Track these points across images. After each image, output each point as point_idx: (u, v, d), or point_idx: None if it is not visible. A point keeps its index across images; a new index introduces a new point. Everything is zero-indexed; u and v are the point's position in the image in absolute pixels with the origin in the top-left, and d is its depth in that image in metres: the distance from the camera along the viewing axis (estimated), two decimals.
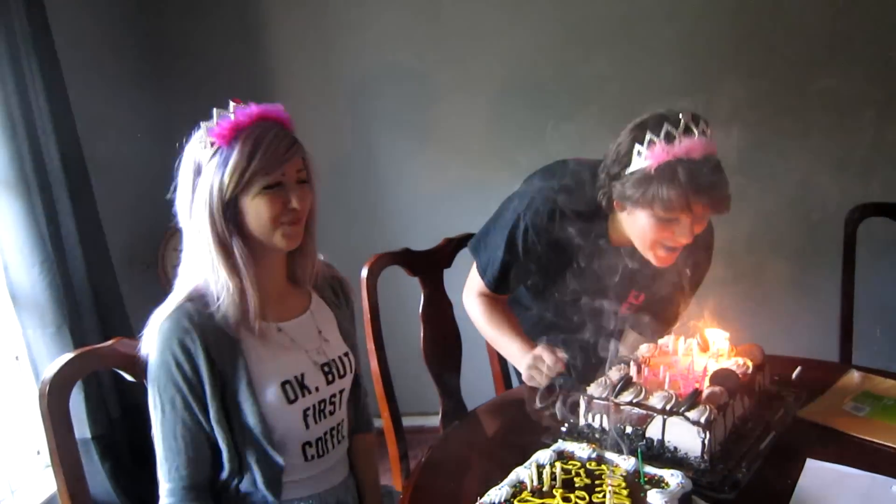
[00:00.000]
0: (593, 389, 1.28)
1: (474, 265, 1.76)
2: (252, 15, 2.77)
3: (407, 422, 1.87)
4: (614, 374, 1.31)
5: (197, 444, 1.20)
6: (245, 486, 1.25)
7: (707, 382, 1.26)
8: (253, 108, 1.22)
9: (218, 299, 1.21)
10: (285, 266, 1.35)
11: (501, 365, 2.03)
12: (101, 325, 2.09)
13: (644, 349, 1.43)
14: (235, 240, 1.22)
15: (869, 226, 2.05)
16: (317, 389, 1.31)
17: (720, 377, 1.26)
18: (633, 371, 1.32)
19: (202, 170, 1.20)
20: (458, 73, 2.74)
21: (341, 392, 1.37)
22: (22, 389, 2.09)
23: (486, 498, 0.97)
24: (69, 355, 1.19)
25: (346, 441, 1.41)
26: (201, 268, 1.23)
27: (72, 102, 2.11)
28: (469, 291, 1.79)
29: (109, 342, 1.26)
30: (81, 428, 2.03)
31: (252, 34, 2.79)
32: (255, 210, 1.21)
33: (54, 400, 1.16)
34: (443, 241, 1.99)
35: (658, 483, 0.99)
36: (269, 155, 1.20)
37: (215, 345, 1.20)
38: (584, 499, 0.96)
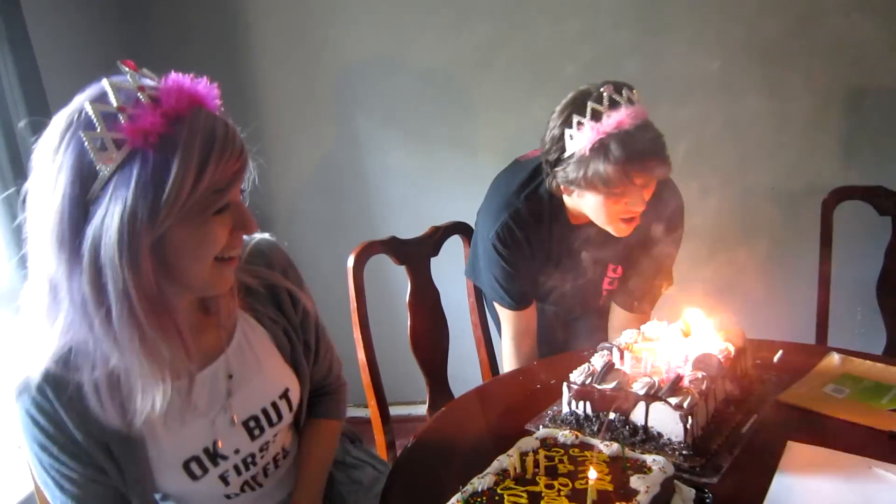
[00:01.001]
0: (576, 376, 1.28)
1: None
2: (234, 3, 2.73)
3: (394, 411, 1.88)
4: (597, 360, 1.31)
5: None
6: None
7: (689, 367, 1.27)
8: (178, 82, 0.82)
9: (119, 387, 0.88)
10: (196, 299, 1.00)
11: (488, 352, 2.04)
12: None
13: (627, 335, 1.43)
14: (169, 291, 0.85)
15: (846, 209, 2.07)
16: (236, 452, 1.06)
17: (702, 362, 1.27)
18: (615, 357, 1.32)
19: (98, 188, 0.80)
20: (443, 63, 2.72)
21: (275, 436, 1.13)
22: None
23: (468, 486, 0.97)
24: None
25: (290, 457, 1.21)
26: (84, 339, 0.85)
27: (46, 93, 2.07)
28: (504, 334, 1.81)
29: None
30: None
31: (234, 23, 2.75)
32: (192, 246, 0.85)
33: None
34: (430, 229, 1.98)
35: (641, 468, 1.00)
36: (225, 164, 0.83)
37: (93, 427, 0.92)
38: (567, 485, 0.96)
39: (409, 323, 1.90)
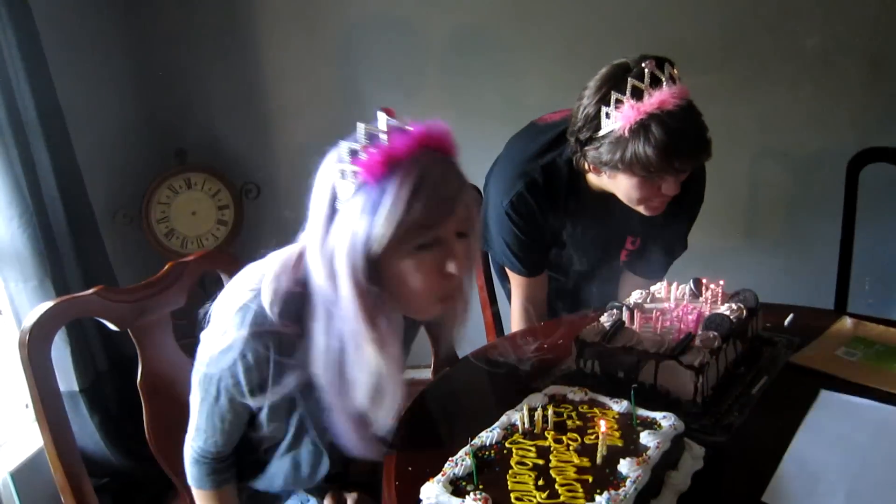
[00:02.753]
0: (586, 334, 1.26)
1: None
2: None
3: None
4: (606, 319, 1.29)
5: (240, 426, 1.12)
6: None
7: (700, 327, 1.25)
8: (413, 131, 0.96)
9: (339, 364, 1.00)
10: None
11: (493, 314, 2.02)
12: (84, 278, 2.05)
13: (637, 295, 1.41)
14: (380, 304, 0.98)
15: (868, 173, 2.02)
16: None
17: (713, 322, 1.25)
18: (625, 316, 1.30)
19: (340, 207, 0.96)
20: (447, 23, 2.66)
21: None
22: (6, 344, 2.06)
23: (476, 440, 0.96)
24: (49, 303, 1.17)
25: None
26: (322, 323, 0.99)
27: (45, 51, 2.03)
28: (515, 299, 1.79)
29: (91, 290, 1.23)
30: (68, 381, 2.01)
31: None
32: (404, 274, 0.98)
33: (35, 348, 1.14)
34: None
35: (651, 425, 0.98)
36: (432, 205, 0.94)
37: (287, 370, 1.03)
38: (576, 440, 0.95)
39: None
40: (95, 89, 2.47)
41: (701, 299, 1.38)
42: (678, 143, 1.28)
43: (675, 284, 1.43)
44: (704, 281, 1.41)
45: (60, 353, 1.98)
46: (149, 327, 1.30)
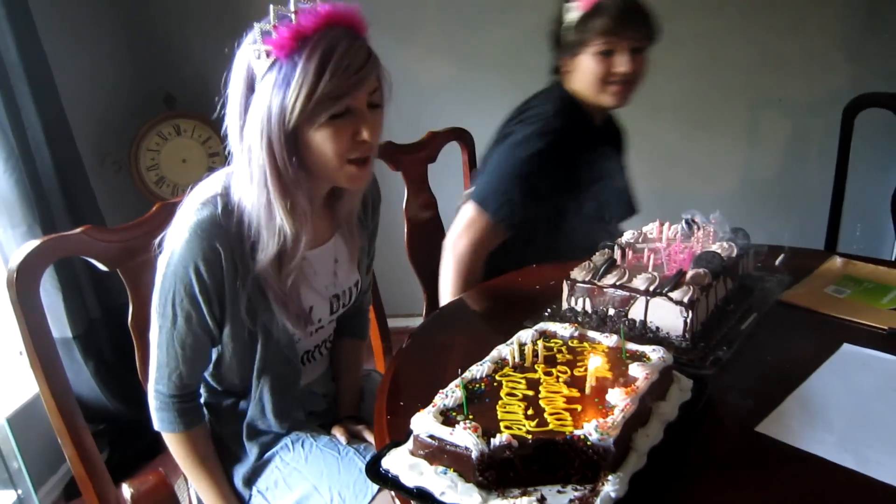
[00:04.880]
0: (576, 273, 1.26)
1: (467, 209, 1.62)
2: None
3: (392, 323, 1.87)
4: (598, 257, 1.29)
5: (202, 352, 1.15)
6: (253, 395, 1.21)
7: (691, 265, 1.25)
8: (320, 8, 1.00)
9: (257, 233, 1.07)
10: (328, 192, 1.20)
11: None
12: (73, 224, 2.02)
13: (629, 235, 1.41)
14: (297, 175, 1.05)
15: (863, 120, 2.01)
16: (319, 321, 1.25)
17: (704, 259, 1.25)
18: (616, 254, 1.30)
19: (256, 86, 1.01)
20: None
21: (330, 322, 1.32)
22: None
23: (467, 373, 0.96)
24: (35, 242, 1.15)
25: (326, 355, 1.38)
26: (248, 196, 1.06)
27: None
28: (463, 241, 1.61)
29: (79, 229, 1.21)
30: (61, 327, 2.02)
31: None
32: (319, 143, 1.03)
33: (24, 288, 1.12)
34: (427, 134, 1.93)
35: (640, 357, 0.99)
36: (340, 75, 0.99)
37: (240, 264, 1.09)
38: (565, 372, 0.96)
39: (405, 230, 1.88)
40: (81, 33, 2.41)
41: (693, 238, 1.38)
42: (628, 12, 1.55)
43: (667, 224, 1.42)
44: (699, 219, 1.40)
45: (52, 299, 1.98)
46: (138, 267, 1.29)
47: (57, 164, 2.02)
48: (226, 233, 1.06)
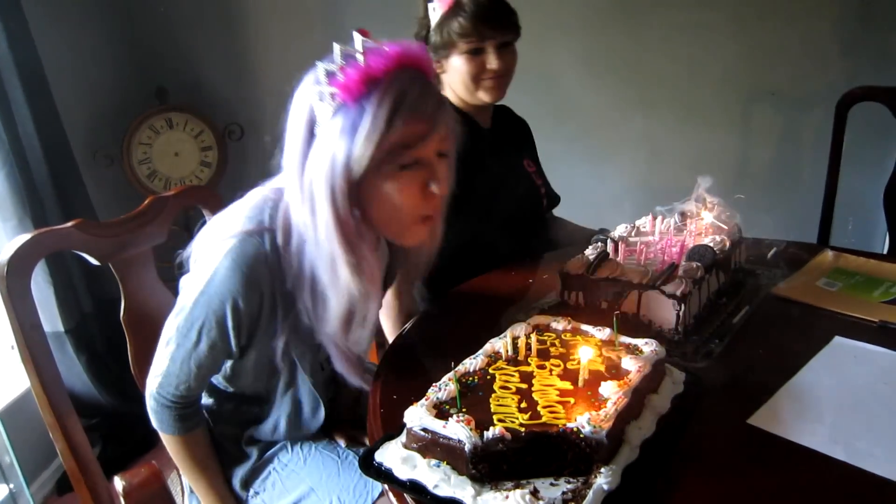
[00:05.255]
0: (570, 267, 1.26)
1: None
2: None
3: None
4: (591, 251, 1.29)
5: (216, 369, 1.11)
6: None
7: (684, 258, 1.26)
8: (390, 50, 0.94)
9: (315, 285, 1.00)
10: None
11: None
12: (65, 218, 2.01)
13: (622, 228, 1.41)
14: (360, 228, 0.98)
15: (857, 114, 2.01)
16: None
17: (696, 253, 1.26)
18: (609, 249, 1.30)
19: (318, 131, 0.95)
20: None
21: None
22: None
23: (460, 367, 0.96)
24: (26, 236, 1.15)
25: None
26: (308, 249, 0.99)
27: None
28: None
29: (70, 223, 1.21)
30: (53, 321, 2.01)
31: None
32: (385, 195, 0.97)
33: (14, 282, 1.12)
34: None
35: (633, 350, 0.99)
36: (412, 122, 0.93)
37: (281, 306, 1.03)
38: (558, 365, 0.96)
39: None
40: (72, 26, 2.39)
41: (685, 232, 1.38)
42: (487, 12, 1.52)
43: (660, 218, 1.42)
44: (690, 213, 1.41)
45: (44, 293, 1.97)
46: (130, 262, 1.29)
47: (48, 158, 2.01)
48: (270, 272, 1.00)
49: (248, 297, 1.00)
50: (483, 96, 1.60)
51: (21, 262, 1.13)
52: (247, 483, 1.22)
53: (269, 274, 1.00)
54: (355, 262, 0.98)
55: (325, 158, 0.94)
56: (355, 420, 1.32)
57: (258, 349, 1.08)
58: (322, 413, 1.18)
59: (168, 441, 1.15)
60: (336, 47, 0.95)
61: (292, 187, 0.99)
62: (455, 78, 1.59)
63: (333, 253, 0.97)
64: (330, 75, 0.94)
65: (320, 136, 0.95)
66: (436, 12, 1.56)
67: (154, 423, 1.14)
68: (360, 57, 0.94)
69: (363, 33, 0.95)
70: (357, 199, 0.97)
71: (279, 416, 1.19)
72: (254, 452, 1.22)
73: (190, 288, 1.02)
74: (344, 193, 0.95)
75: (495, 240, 1.60)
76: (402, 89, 0.93)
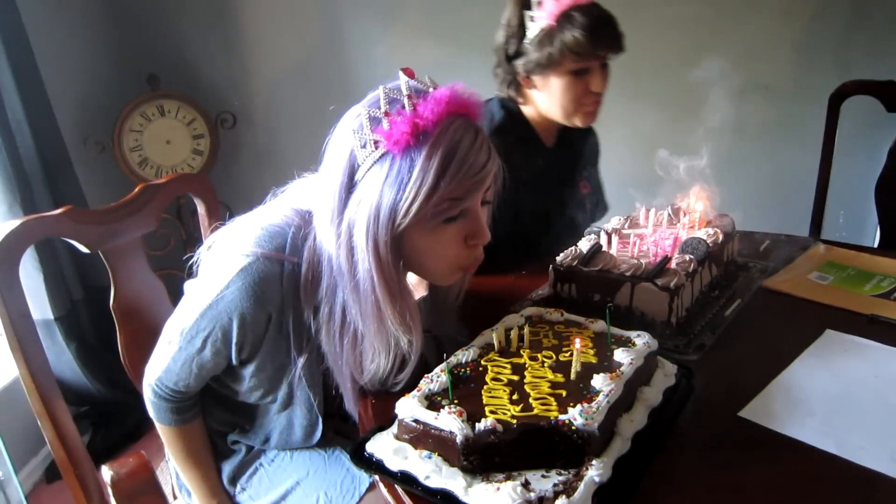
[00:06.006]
0: (563, 259, 1.26)
1: None
2: None
3: None
4: (584, 243, 1.29)
5: (213, 374, 1.09)
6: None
7: (677, 251, 1.26)
8: (439, 96, 0.89)
9: (361, 338, 0.97)
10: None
11: None
12: (55, 205, 2.00)
13: (615, 221, 1.41)
14: (401, 277, 0.95)
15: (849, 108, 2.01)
16: None
17: (689, 246, 1.26)
18: (603, 241, 1.30)
19: (359, 179, 0.90)
20: None
21: None
22: None
23: (452, 358, 0.96)
24: (16, 222, 1.13)
25: None
26: (351, 301, 0.95)
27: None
28: None
29: (60, 210, 1.19)
30: (42, 309, 1.99)
31: None
32: (427, 247, 0.94)
33: (3, 268, 1.11)
34: None
35: (625, 343, 0.99)
36: (462, 177, 0.89)
37: (295, 337, 1.01)
38: (551, 357, 0.96)
39: None
40: (63, 12, 2.36)
41: (678, 225, 1.38)
42: (602, 27, 1.38)
43: (653, 210, 1.42)
44: (682, 206, 1.41)
45: (33, 280, 1.95)
46: (120, 250, 1.28)
47: (38, 145, 1.99)
48: (282, 298, 0.98)
49: (257, 317, 0.98)
50: (578, 121, 1.49)
51: (10, 248, 1.12)
52: (234, 478, 1.21)
53: (281, 299, 0.98)
54: (400, 311, 0.95)
55: (367, 207, 0.90)
56: (343, 415, 1.30)
57: (258, 363, 1.06)
58: (318, 433, 1.15)
59: (164, 432, 1.15)
60: (381, 91, 0.90)
61: (326, 226, 0.94)
62: (552, 99, 1.46)
63: (378, 303, 0.94)
64: (374, 121, 0.89)
65: (362, 185, 0.90)
66: (535, 23, 1.40)
67: (151, 414, 1.13)
68: (405, 101, 0.89)
69: (408, 74, 0.90)
70: (397, 249, 0.93)
71: (271, 430, 1.17)
72: (241, 448, 1.22)
73: (198, 296, 1.00)
74: (388, 246, 0.91)
75: (519, 258, 1.51)
76: (453, 143, 0.88)
